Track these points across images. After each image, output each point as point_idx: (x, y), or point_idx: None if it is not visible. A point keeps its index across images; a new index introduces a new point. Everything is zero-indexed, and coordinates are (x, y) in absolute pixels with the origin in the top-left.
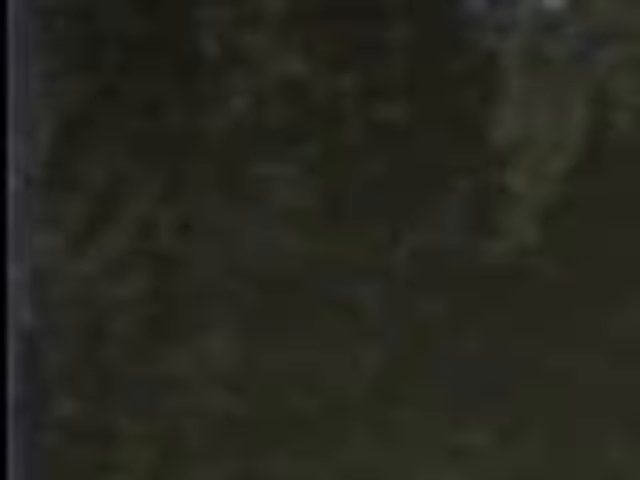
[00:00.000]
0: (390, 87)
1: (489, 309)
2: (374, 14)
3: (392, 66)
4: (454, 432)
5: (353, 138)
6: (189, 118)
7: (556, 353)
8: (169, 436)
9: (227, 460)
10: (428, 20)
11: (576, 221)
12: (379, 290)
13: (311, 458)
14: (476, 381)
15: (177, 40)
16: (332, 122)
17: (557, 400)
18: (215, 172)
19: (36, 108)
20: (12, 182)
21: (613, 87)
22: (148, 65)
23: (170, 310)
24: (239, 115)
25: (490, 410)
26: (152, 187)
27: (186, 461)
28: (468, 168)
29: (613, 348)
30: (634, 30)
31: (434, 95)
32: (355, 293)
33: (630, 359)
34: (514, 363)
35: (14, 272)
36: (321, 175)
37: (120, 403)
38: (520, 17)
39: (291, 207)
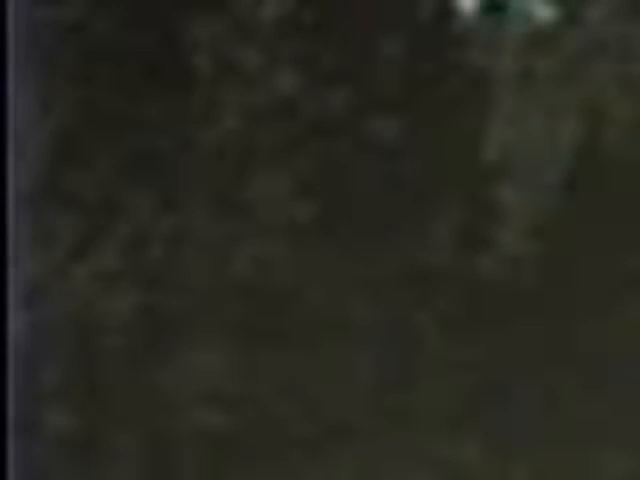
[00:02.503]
0: (382, 103)
1: (483, 323)
2: (366, 30)
3: (384, 82)
4: (450, 447)
5: (345, 153)
6: (182, 133)
7: (550, 368)
8: (165, 453)
9: (222, 478)
10: (419, 37)
11: (569, 234)
12: (372, 304)
13: (305, 476)
14: (470, 396)
15: (170, 55)
16: (324, 137)
17: (552, 414)
18: (208, 187)
19: (32, 124)
20: (11, 200)
21: (605, 101)
22: (141, 80)
23: (164, 325)
24: (232, 130)
25: (487, 425)
26: (146, 202)
27: (182, 478)
28: (461, 183)
29: (609, 361)
30: (626, 44)
31: (426, 111)
32: (348, 308)
33: (628, 373)
34: (508, 377)
35: (13, 288)
36: (314, 190)
37: (117, 419)
38: (511, 31)
39: (284, 222)
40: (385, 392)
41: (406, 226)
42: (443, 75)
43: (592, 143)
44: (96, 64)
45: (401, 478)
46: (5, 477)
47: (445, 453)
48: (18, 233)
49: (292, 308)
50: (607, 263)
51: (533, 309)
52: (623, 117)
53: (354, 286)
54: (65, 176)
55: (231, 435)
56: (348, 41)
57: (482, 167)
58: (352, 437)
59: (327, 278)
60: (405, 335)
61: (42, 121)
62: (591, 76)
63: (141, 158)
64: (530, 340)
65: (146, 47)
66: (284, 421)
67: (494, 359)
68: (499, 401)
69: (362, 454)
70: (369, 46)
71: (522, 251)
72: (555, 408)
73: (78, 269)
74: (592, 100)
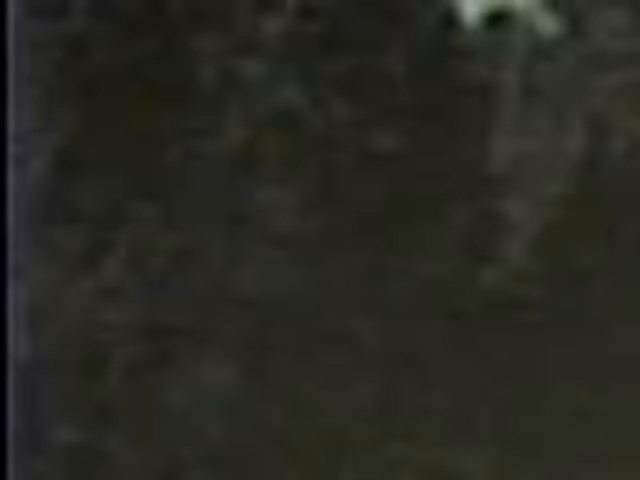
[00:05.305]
0: (385, 115)
1: (487, 338)
2: (369, 45)
3: (387, 95)
4: (456, 459)
5: (349, 166)
6: (185, 146)
7: (555, 382)
8: (168, 466)
9: None
10: (422, 49)
11: (574, 248)
12: (376, 319)
13: None
14: (474, 410)
15: (173, 68)
16: (328, 150)
17: (555, 430)
18: (212, 200)
19: (33, 137)
20: (11, 212)
21: (610, 113)
22: (144, 93)
23: (169, 340)
24: (235, 143)
25: (489, 441)
26: (150, 216)
27: None
28: (465, 196)
29: (613, 376)
30: (631, 55)
31: (429, 123)
32: (352, 321)
33: (631, 387)
34: (514, 392)
35: (13, 302)
36: (318, 203)
37: (119, 433)
38: (514, 44)
39: (288, 236)
40: (389, 406)
41: (410, 239)
42: (446, 88)
43: (598, 154)
44: (99, 77)
45: None
46: None
47: (452, 465)
48: (21, 246)
49: (297, 322)
50: (613, 276)
51: (538, 323)
52: (629, 128)
53: (359, 299)
54: (68, 189)
55: (237, 449)
56: (350, 54)
57: (486, 180)
58: (356, 449)
59: (332, 291)
60: (409, 348)
61: (44, 134)
62: (595, 88)
63: (145, 171)
64: (535, 353)
65: (149, 60)
66: (289, 434)
67: (499, 372)
68: (505, 414)
69: (367, 467)
70: (371, 59)
71: (526, 265)
72: (560, 421)
73: (82, 283)
74: (597, 112)
